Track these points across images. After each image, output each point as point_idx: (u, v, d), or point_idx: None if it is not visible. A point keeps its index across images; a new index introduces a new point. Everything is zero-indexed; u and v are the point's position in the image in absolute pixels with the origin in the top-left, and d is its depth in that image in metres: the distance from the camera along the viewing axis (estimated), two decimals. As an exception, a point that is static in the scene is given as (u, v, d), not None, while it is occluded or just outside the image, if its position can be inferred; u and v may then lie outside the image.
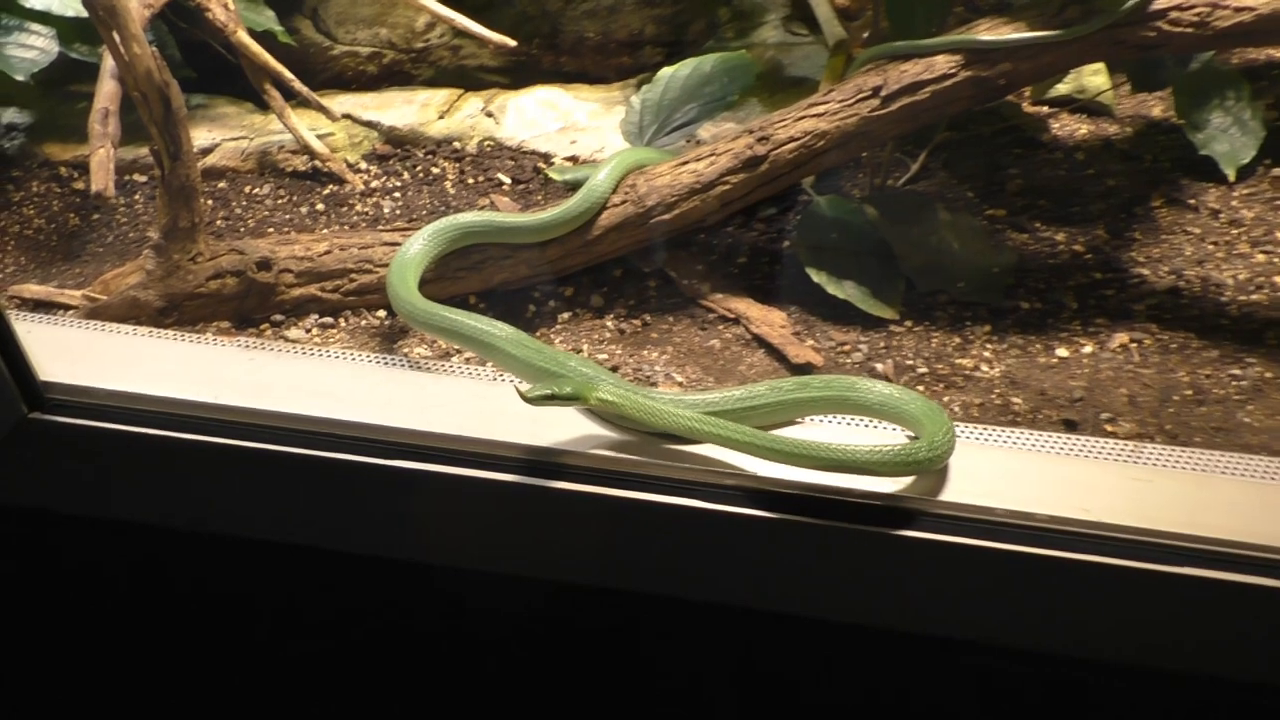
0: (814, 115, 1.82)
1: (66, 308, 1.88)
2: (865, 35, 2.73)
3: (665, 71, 2.16)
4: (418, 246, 1.78)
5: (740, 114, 2.35)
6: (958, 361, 1.82)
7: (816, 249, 1.97)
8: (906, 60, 1.81)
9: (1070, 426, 1.64)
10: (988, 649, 1.27)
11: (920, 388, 1.79)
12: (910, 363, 1.84)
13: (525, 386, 1.29)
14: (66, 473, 1.49)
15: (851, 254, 1.97)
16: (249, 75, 2.29)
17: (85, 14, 2.06)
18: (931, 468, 1.28)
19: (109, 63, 1.96)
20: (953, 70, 1.78)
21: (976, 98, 1.83)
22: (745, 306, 1.90)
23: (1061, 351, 1.80)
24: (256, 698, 1.69)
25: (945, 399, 1.76)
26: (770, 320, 1.87)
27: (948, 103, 1.80)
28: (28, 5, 2.03)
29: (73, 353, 1.51)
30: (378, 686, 1.61)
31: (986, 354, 1.83)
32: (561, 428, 1.35)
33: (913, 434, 1.37)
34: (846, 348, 1.86)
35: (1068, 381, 1.73)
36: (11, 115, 2.36)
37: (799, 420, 1.43)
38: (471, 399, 1.44)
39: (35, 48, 2.01)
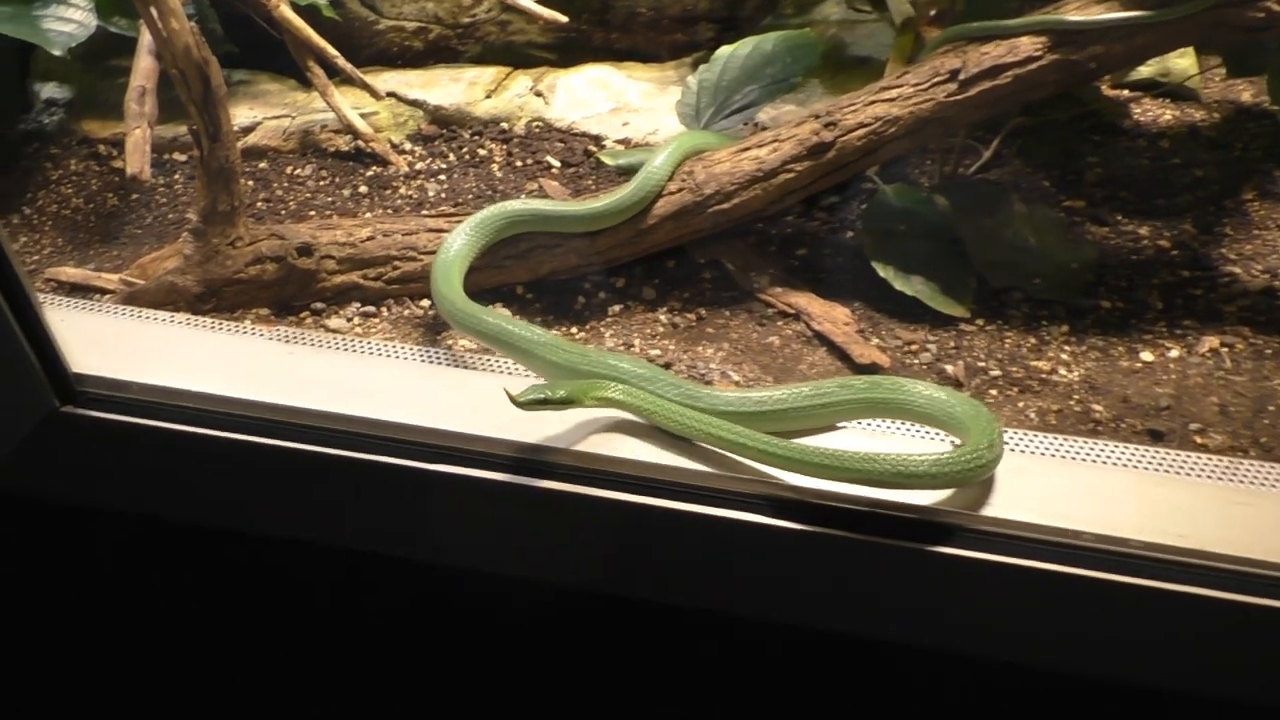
0: (886, 100, 1.71)
1: (103, 291, 1.82)
2: (933, 13, 2.60)
3: (724, 50, 2.05)
4: (461, 241, 1.70)
5: (800, 96, 2.24)
6: (1033, 364, 1.71)
7: (882, 241, 1.86)
8: (987, 41, 1.69)
9: (1156, 437, 1.53)
10: (1050, 674, 1.18)
11: (993, 392, 1.69)
12: (982, 364, 1.74)
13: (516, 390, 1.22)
14: (96, 467, 1.44)
15: (920, 247, 1.86)
16: (292, 51, 2.22)
17: (125, -14, 2.02)
18: (977, 478, 1.19)
19: (146, 38, 1.89)
20: (1038, 53, 1.66)
21: (1062, 82, 1.71)
22: (806, 301, 1.80)
23: (1146, 355, 1.69)
24: (279, 699, 1.64)
25: (1020, 404, 1.66)
26: (833, 317, 1.77)
27: (1031, 88, 1.68)
28: (66, -23, 1.97)
29: (107, 342, 1.46)
30: (402, 686, 1.55)
31: (1064, 356, 1.72)
32: (614, 439, 1.28)
33: (957, 440, 1.29)
34: (914, 347, 1.76)
35: (1153, 388, 1.62)
36: (51, 90, 2.31)
37: (840, 425, 1.35)
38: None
39: (73, 21, 1.94)
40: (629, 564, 1.28)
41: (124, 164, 2.15)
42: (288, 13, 2.15)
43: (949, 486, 1.19)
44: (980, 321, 1.81)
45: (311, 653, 1.58)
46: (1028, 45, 1.67)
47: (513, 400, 1.20)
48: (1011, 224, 1.90)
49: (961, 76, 1.67)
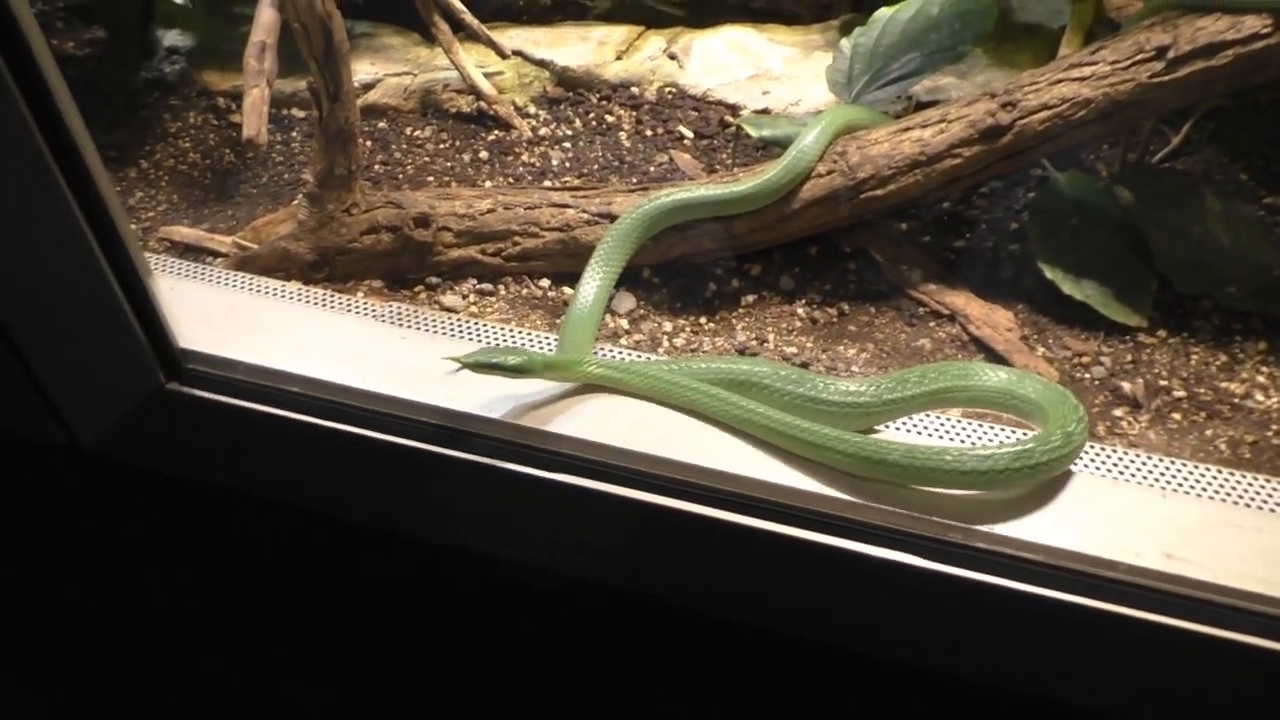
0: (1076, 79, 1.50)
1: (215, 254, 1.75)
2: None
3: (883, 12, 1.85)
4: (596, 285, 1.51)
5: (960, 68, 2.02)
6: (1224, 386, 1.52)
7: (1051, 236, 1.67)
8: (1206, 14, 1.46)
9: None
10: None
11: (1176, 416, 1.50)
12: (1164, 383, 1.54)
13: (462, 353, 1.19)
14: (197, 444, 1.39)
15: (1094, 244, 1.66)
16: (418, 5, 2.10)
17: (249, -68, 1.93)
18: (1053, 472, 1.08)
19: (269, -11, 1.79)
20: (1265, 30, 1.42)
21: (1291, 65, 1.47)
22: (964, 302, 1.62)
23: (1364, 383, 1.47)
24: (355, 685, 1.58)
25: (1207, 432, 1.46)
26: (994, 320, 1.59)
27: (1252, 70, 1.46)
28: (190, -80, 1.89)
29: (216, 316, 1.38)
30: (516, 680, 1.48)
31: (1261, 379, 1.52)
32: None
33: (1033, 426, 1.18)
34: (1085, 359, 1.57)
35: (1374, 424, 1.41)
36: (173, 38, 2.25)
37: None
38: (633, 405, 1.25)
39: (195, -33, 1.86)
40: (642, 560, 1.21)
41: (239, 116, 2.08)
42: (414, -37, 2.04)
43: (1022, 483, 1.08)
44: (1162, 333, 1.61)
45: (397, 639, 1.51)
46: (1254, 21, 1.43)
47: (459, 361, 1.17)
48: (1203, 222, 1.68)
49: (1171, 55, 1.44)
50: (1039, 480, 1.09)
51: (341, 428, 1.25)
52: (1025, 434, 1.19)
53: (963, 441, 1.21)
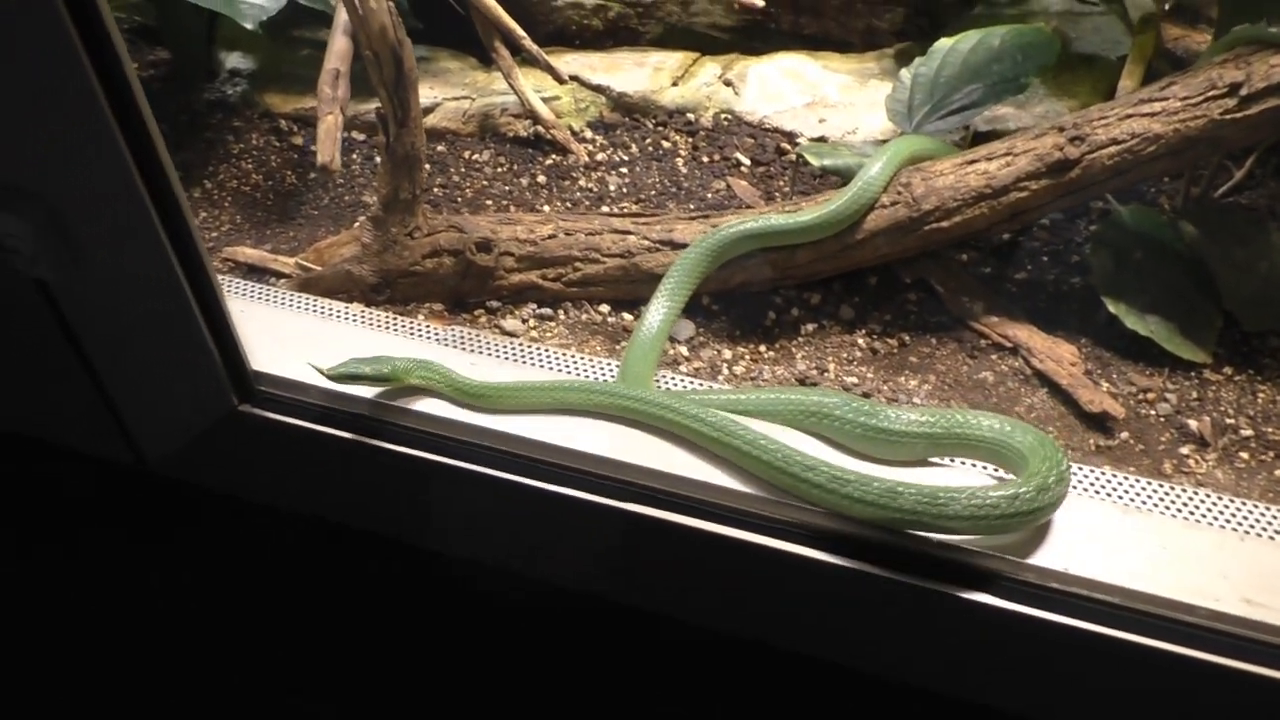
0: (1146, 114, 1.49)
1: (279, 275, 1.77)
2: (1167, 6, 2.34)
3: (943, 43, 1.85)
4: (659, 316, 1.51)
5: (1019, 98, 2.01)
6: (1293, 425, 1.49)
7: (1115, 270, 1.66)
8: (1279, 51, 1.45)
9: None
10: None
11: (1244, 455, 1.48)
12: (1231, 420, 1.52)
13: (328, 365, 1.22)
14: (266, 465, 1.41)
15: (1158, 279, 1.65)
16: (480, 33, 2.12)
17: (316, -42, 1.96)
18: (1035, 521, 1.05)
19: (342, 17, 1.82)
20: (1343, 67, 1.41)
21: (1368, 102, 1.46)
22: (1026, 335, 1.61)
23: None
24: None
25: (1277, 472, 1.44)
26: (1057, 354, 1.58)
27: (1326, 107, 1.44)
28: (259, -53, 1.92)
29: (285, 338, 1.40)
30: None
31: (1332, 418, 1.49)
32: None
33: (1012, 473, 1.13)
34: (1150, 396, 1.55)
35: None
36: (235, 60, 2.28)
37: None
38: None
39: (266, -7, 1.89)
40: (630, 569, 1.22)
41: (304, 140, 2.12)
42: (480, -9, 2.06)
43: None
44: (1228, 369, 1.59)
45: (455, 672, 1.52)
46: (1330, 57, 1.42)
47: (321, 373, 1.21)
48: (1269, 257, 1.67)
49: (1244, 91, 1.43)
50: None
51: (412, 453, 1.26)
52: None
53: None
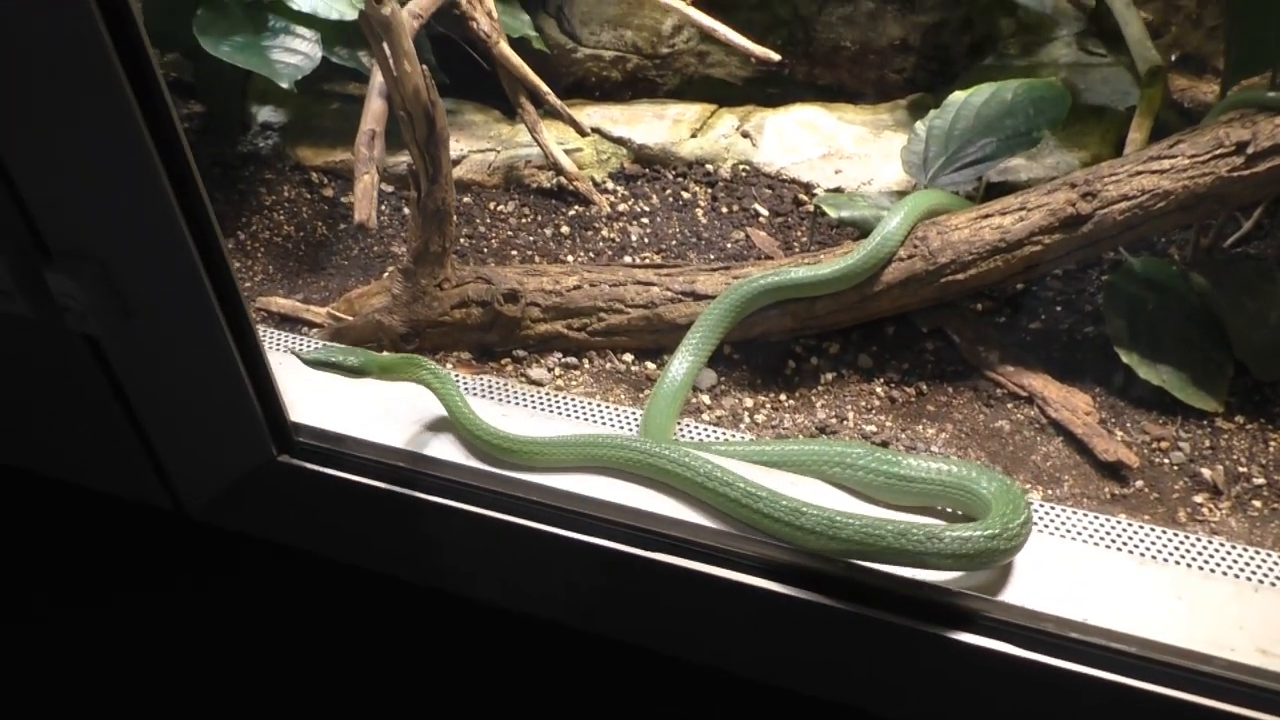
0: (1155, 171, 1.53)
1: (311, 325, 1.82)
2: (1174, 57, 2.39)
3: (957, 96, 1.90)
4: (683, 367, 1.59)
5: (1029, 150, 2.06)
6: (1307, 474, 1.51)
7: (1128, 320, 1.69)
8: (1283, 112, 1.49)
9: None
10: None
11: (1256, 504, 1.50)
12: (1243, 469, 1.54)
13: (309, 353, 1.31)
14: (303, 514, 1.44)
15: (1170, 329, 1.68)
16: (505, 87, 2.19)
17: (349, 17, 2.03)
18: (996, 561, 1.11)
19: (377, 79, 1.88)
20: (1347, 127, 1.46)
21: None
22: (1042, 384, 1.65)
23: None
24: None
25: (1292, 522, 1.46)
26: (1072, 404, 1.61)
27: (1331, 164, 1.48)
28: (294, 7, 1.99)
29: (322, 388, 1.43)
30: None
31: (1343, 468, 1.51)
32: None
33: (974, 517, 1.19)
34: (1164, 444, 1.58)
35: None
36: (267, 114, 2.35)
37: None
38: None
39: (300, 53, 1.95)
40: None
41: (334, 192, 2.18)
42: (507, 50, 2.12)
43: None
44: (1240, 418, 1.62)
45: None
46: (1334, 118, 1.47)
47: (301, 359, 1.29)
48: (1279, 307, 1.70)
49: (1250, 150, 1.47)
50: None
51: (446, 503, 1.29)
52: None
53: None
